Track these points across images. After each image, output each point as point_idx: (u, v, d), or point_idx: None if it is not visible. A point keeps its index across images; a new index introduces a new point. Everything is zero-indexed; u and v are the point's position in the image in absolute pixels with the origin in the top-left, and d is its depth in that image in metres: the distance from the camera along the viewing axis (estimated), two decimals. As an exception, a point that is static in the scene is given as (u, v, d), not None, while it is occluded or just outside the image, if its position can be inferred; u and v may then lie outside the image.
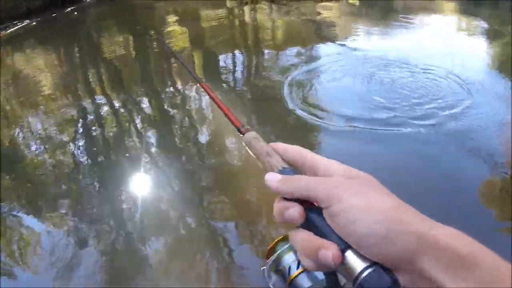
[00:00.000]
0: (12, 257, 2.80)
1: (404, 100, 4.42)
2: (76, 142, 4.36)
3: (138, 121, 4.85)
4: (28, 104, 5.50)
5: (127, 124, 4.86)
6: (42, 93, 5.82)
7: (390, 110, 4.22)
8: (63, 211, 3.23)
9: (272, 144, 0.57)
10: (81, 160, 4.05)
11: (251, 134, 0.61)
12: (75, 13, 11.05)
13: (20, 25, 9.71)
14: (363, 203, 0.44)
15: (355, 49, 6.47)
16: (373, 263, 0.42)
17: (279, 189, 0.50)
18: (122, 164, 3.88)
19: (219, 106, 0.71)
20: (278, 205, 0.50)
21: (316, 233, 0.47)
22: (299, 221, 0.48)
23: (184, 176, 3.56)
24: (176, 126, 4.63)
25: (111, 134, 4.56)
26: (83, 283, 2.54)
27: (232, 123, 0.65)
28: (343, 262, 0.43)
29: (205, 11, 10.22)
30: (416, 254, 0.40)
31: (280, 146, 0.56)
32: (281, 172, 0.52)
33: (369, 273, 0.42)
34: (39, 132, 4.69)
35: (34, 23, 9.86)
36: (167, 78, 6.30)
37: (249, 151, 0.60)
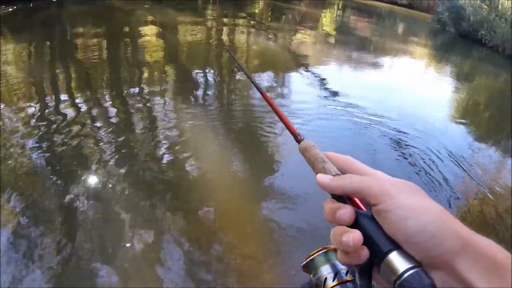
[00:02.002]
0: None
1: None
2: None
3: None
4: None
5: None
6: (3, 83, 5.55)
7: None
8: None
9: (325, 152, 0.60)
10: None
11: (307, 142, 0.63)
12: (53, 7, 10.84)
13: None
14: (416, 203, 0.47)
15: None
16: (414, 266, 0.44)
17: (331, 185, 0.52)
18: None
19: (278, 116, 0.75)
20: (328, 205, 0.52)
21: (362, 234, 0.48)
22: (349, 222, 0.49)
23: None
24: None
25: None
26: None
27: (290, 131, 0.69)
28: (387, 262, 0.45)
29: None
30: (458, 256, 0.43)
31: (332, 154, 0.59)
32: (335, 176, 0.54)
33: (411, 274, 0.43)
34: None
35: (9, 10, 9.59)
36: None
37: (304, 157, 0.62)
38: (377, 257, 0.47)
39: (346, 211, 0.49)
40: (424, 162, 4.34)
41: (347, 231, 0.48)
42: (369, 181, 0.50)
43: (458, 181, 4.10)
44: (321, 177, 0.54)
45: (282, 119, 0.73)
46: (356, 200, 0.52)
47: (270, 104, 0.81)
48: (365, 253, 0.47)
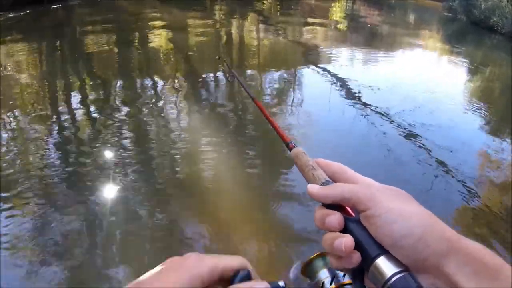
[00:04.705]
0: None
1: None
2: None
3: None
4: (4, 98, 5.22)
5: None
6: (19, 87, 5.65)
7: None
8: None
9: (315, 159, 0.61)
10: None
11: (298, 150, 0.65)
12: (60, 11, 10.94)
13: (7, 16, 9.56)
14: (402, 208, 0.48)
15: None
16: (402, 270, 0.45)
17: (320, 194, 0.53)
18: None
19: (270, 123, 0.77)
20: (318, 212, 0.53)
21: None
22: (338, 228, 0.50)
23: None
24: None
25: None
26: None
27: (282, 138, 0.70)
28: (375, 267, 0.47)
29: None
30: (445, 258, 0.44)
31: (322, 161, 0.60)
32: (324, 184, 0.55)
33: (399, 278, 0.44)
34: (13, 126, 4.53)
35: (19, 15, 9.69)
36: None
37: (295, 164, 0.63)
38: (366, 261, 0.48)
39: (335, 218, 0.50)
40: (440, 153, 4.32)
41: (339, 236, 0.49)
42: (357, 188, 0.51)
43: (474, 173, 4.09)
44: (311, 187, 0.54)
45: (274, 127, 0.75)
46: (346, 206, 0.52)
47: (264, 113, 0.83)
48: (357, 257, 0.48)
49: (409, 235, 0.45)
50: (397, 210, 0.47)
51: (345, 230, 0.50)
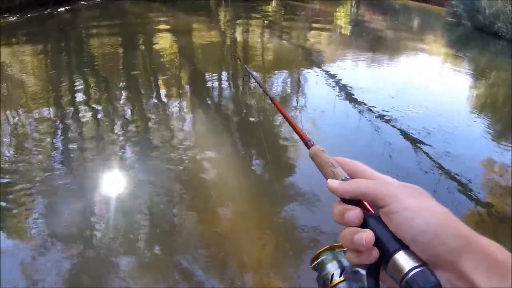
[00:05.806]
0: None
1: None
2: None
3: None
4: (8, 99, 5.30)
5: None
6: (23, 88, 5.70)
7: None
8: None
9: (334, 157, 0.62)
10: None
11: (317, 147, 0.66)
12: (66, 14, 11.01)
13: (12, 18, 9.62)
14: (420, 204, 0.49)
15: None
16: (420, 264, 0.46)
17: (340, 189, 0.54)
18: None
19: (289, 122, 0.78)
20: (337, 207, 0.54)
21: None
22: (357, 223, 0.51)
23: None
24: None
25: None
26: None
27: (300, 137, 0.71)
28: (394, 261, 0.47)
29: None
30: (460, 255, 0.45)
31: (340, 159, 0.61)
32: (344, 180, 0.57)
33: (417, 272, 0.45)
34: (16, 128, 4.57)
35: (26, 17, 9.76)
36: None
37: (314, 162, 0.64)
38: (384, 256, 0.49)
39: (354, 213, 0.51)
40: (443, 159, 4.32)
41: (359, 231, 0.50)
42: (377, 184, 0.53)
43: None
44: (331, 182, 0.56)
45: (292, 125, 0.76)
46: (364, 202, 0.53)
47: (281, 112, 0.84)
48: (375, 252, 0.49)
49: (426, 232, 0.46)
50: (415, 207, 0.49)
51: (363, 225, 0.51)
